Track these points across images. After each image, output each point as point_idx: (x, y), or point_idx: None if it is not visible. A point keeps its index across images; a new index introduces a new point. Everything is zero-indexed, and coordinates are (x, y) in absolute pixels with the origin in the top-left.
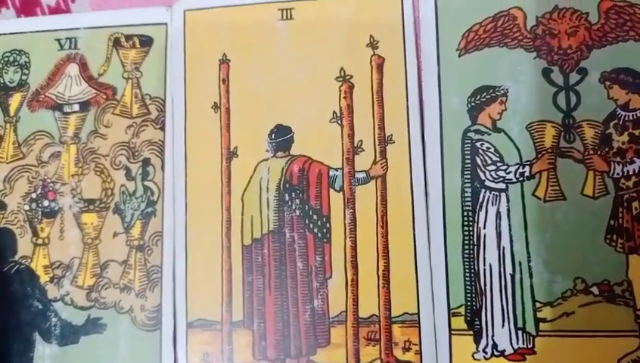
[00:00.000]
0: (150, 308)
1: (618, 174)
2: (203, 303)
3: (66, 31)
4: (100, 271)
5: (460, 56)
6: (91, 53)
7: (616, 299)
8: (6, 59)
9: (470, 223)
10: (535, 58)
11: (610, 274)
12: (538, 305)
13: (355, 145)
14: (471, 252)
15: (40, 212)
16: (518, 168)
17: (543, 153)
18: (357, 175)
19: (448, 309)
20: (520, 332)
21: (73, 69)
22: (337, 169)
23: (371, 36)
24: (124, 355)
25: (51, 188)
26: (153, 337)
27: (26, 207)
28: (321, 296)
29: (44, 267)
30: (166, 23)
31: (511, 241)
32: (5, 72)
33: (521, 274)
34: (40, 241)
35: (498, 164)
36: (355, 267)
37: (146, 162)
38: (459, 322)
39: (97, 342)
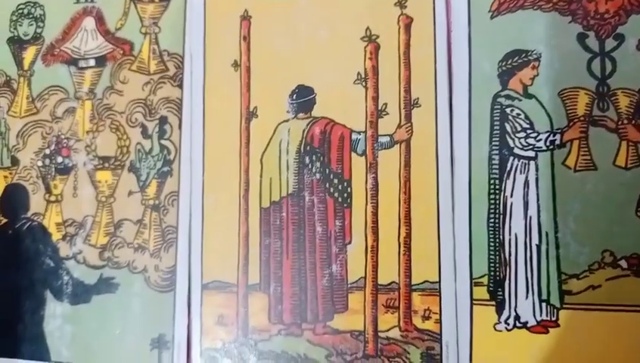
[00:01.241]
0: (164, 268)
1: None
2: (218, 265)
3: None
4: (114, 230)
5: (492, 18)
6: (108, 6)
7: None
8: (20, 11)
9: (497, 191)
10: (570, 22)
11: None
12: (563, 277)
13: (380, 108)
14: (497, 221)
15: (53, 169)
16: (549, 135)
17: (575, 121)
18: (380, 139)
19: (471, 279)
20: (544, 304)
21: (89, 22)
22: (359, 133)
23: None
24: (137, 316)
25: (65, 144)
26: (167, 298)
27: (40, 163)
28: (340, 262)
29: (56, 224)
30: None
31: (539, 211)
32: (20, 25)
33: (547, 244)
34: (53, 198)
35: (528, 131)
36: (375, 233)
37: (163, 120)
38: (481, 292)
39: (109, 301)
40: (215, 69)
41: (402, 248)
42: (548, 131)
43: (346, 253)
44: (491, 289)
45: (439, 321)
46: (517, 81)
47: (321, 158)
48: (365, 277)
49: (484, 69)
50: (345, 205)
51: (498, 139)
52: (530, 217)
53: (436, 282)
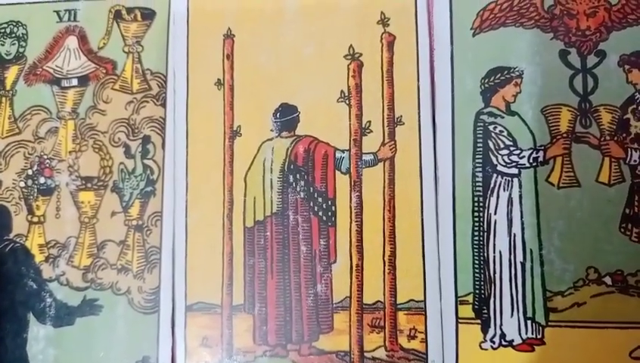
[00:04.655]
0: (148, 290)
1: (635, 161)
2: (202, 286)
3: (66, 2)
4: (97, 251)
5: (474, 35)
6: (91, 25)
7: (629, 289)
8: (3, 30)
9: (481, 209)
10: (552, 39)
11: (624, 264)
12: (548, 294)
13: (363, 126)
14: (481, 238)
15: (36, 190)
16: (532, 152)
17: (558, 137)
18: (364, 157)
19: (456, 297)
20: (529, 322)
21: (71, 42)
22: (343, 151)
23: (382, 13)
24: (120, 338)
25: (47, 165)
26: (150, 320)
27: (22, 184)
28: (325, 281)
29: (39, 246)
30: None
31: (523, 228)
32: (2, 44)
33: (532, 262)
34: (35, 219)
35: (511, 148)
36: (360, 252)
37: (146, 139)
38: (467, 310)
39: (93, 324)
40: (198, 88)
41: (386, 267)
42: (531, 148)
43: (331, 273)
44: (476, 307)
45: (425, 341)
46: (500, 98)
47: (305, 177)
48: (350, 297)
49: (467, 87)
50: (329, 224)
51: (481, 156)
52: (514, 234)
53: (422, 301)
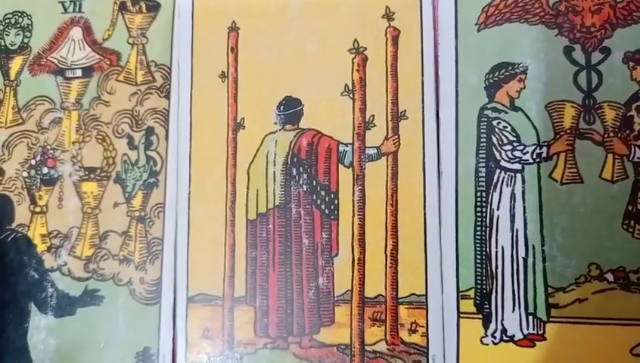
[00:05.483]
0: (149, 281)
1: (638, 158)
2: (204, 278)
3: None
4: (99, 242)
5: (479, 31)
6: (95, 17)
7: (631, 286)
8: (7, 21)
9: (484, 204)
10: (556, 35)
11: (626, 261)
12: (550, 290)
13: (367, 120)
14: (483, 233)
15: (39, 180)
16: (535, 148)
17: (562, 133)
18: (368, 151)
19: (458, 292)
20: (530, 317)
21: (76, 32)
22: (347, 144)
23: (387, 7)
24: (122, 329)
25: (50, 155)
26: (152, 311)
27: (25, 174)
28: (327, 274)
29: (41, 236)
30: None
31: (525, 224)
32: (7, 35)
33: (534, 257)
34: (38, 209)
35: (515, 144)
36: (362, 245)
37: (149, 131)
38: (468, 305)
39: (94, 314)
40: (202, 80)
41: (388, 260)
42: (534, 144)
43: (333, 266)
44: (477, 302)
45: (426, 335)
46: (504, 93)
47: (308, 170)
48: (352, 290)
49: (471, 82)
50: (332, 217)
51: (484, 152)
52: (517, 230)
53: (423, 295)
